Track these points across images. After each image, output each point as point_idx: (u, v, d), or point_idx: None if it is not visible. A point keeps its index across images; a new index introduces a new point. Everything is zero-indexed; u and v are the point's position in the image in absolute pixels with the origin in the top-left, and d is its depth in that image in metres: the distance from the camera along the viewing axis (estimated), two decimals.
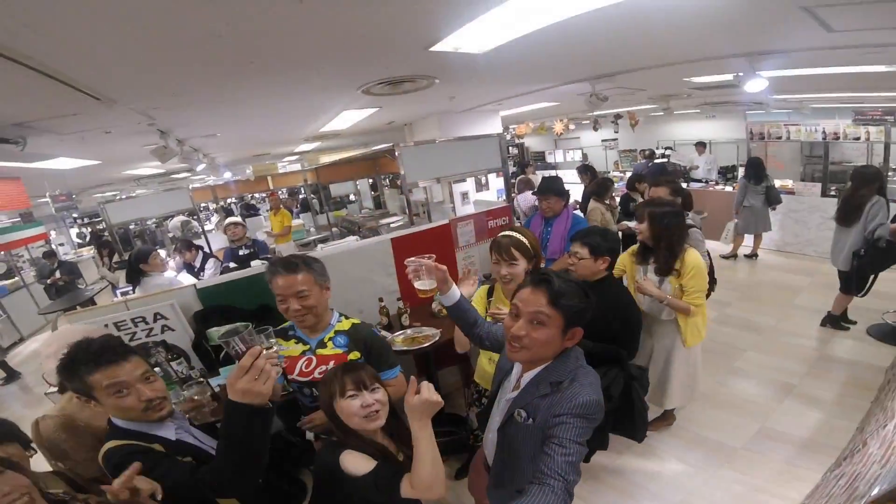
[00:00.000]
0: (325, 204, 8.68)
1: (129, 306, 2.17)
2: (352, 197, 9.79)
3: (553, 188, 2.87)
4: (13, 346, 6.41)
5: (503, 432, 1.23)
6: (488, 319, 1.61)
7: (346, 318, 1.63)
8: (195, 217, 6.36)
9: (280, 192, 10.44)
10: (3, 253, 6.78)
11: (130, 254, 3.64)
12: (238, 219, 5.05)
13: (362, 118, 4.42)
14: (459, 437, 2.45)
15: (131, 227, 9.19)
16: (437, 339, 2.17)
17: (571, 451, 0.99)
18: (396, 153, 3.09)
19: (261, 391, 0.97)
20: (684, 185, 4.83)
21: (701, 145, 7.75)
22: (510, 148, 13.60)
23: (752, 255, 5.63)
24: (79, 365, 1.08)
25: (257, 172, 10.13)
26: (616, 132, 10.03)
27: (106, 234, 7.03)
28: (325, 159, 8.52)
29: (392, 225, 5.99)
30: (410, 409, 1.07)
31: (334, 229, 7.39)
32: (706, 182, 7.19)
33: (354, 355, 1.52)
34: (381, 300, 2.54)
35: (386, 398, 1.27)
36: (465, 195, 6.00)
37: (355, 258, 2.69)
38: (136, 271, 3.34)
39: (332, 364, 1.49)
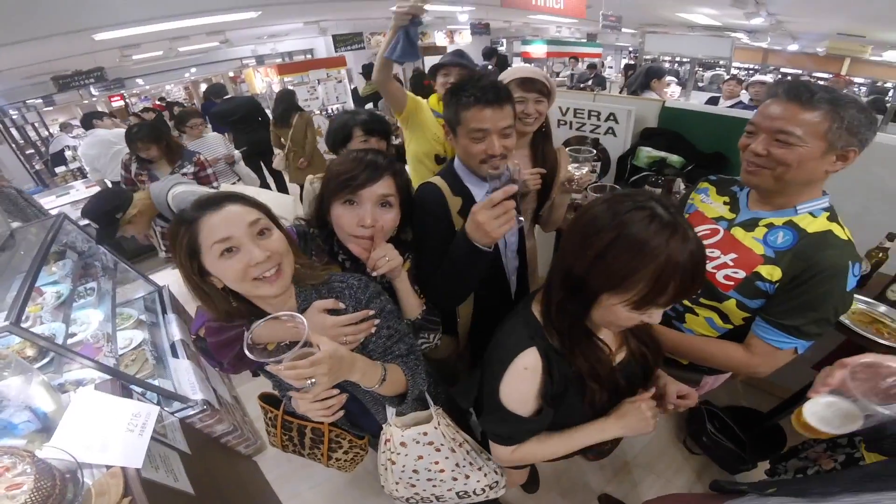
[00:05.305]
0: None
1: (596, 99, 2.32)
2: None
3: None
4: None
5: None
6: None
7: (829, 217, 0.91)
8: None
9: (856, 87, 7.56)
10: (569, 58, 9.03)
11: (645, 68, 3.88)
12: (767, 78, 4.21)
13: None
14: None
15: (665, 61, 9.46)
16: None
17: None
18: None
19: (489, 233, 0.84)
20: None
21: None
22: None
23: None
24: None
25: (833, 49, 7.38)
26: None
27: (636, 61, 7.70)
28: None
29: None
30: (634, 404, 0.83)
31: None
32: None
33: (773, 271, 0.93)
34: (891, 237, 1.43)
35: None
36: None
37: None
38: (644, 84, 3.59)
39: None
